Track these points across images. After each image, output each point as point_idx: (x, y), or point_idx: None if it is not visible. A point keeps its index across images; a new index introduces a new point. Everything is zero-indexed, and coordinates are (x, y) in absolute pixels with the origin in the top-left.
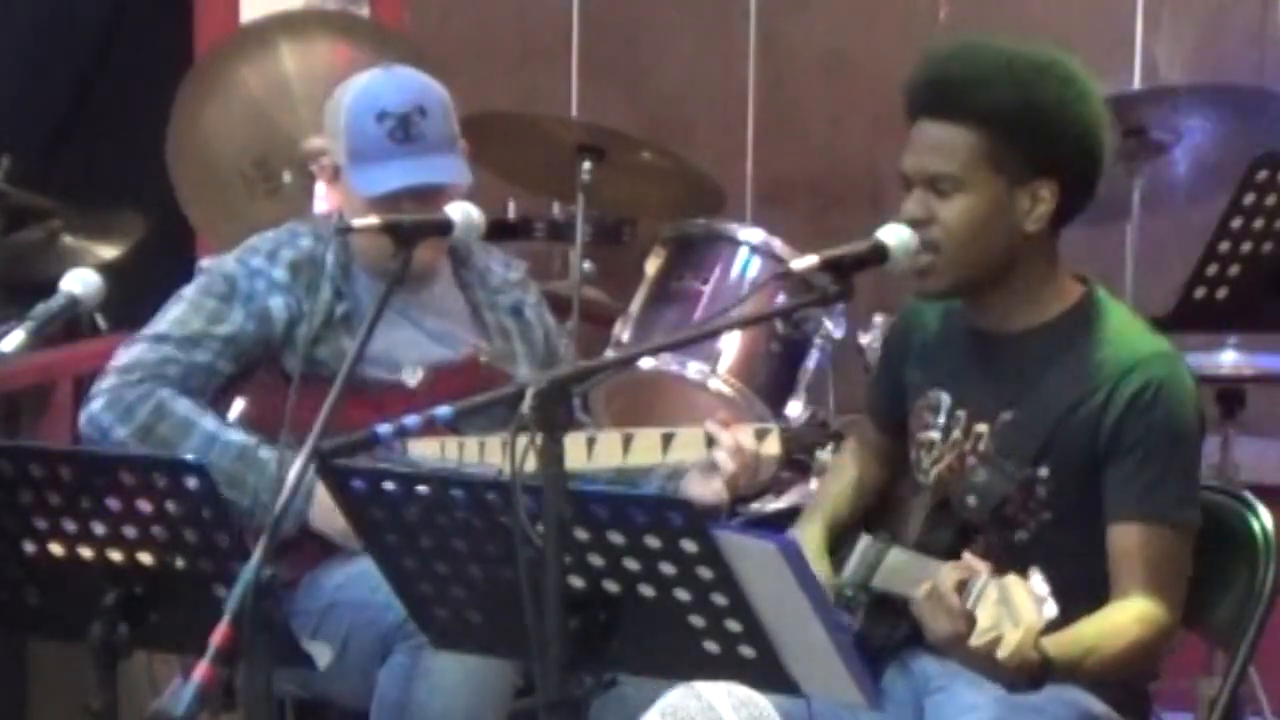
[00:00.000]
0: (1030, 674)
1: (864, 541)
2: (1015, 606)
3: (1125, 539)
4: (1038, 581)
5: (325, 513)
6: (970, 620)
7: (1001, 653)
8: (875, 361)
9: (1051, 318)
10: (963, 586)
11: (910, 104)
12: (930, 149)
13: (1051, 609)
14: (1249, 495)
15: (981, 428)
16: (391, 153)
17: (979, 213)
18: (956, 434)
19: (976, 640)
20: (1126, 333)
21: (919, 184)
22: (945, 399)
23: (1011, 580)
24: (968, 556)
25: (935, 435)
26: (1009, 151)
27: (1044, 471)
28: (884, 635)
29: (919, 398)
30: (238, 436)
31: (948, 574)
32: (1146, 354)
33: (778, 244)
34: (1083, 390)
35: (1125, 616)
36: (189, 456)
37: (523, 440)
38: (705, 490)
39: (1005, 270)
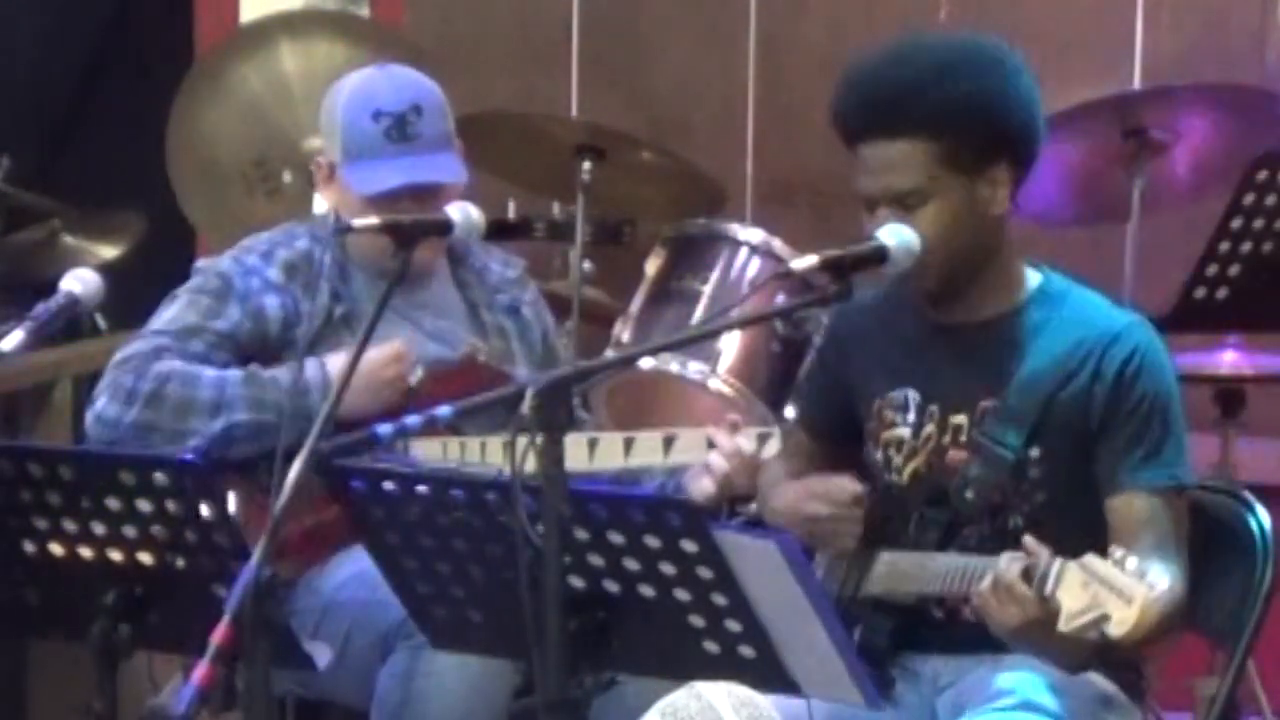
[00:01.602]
0: (1092, 652)
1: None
2: (1115, 583)
3: (1130, 509)
4: (1124, 557)
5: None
6: (1045, 607)
7: (1118, 630)
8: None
9: (1017, 303)
10: (1028, 573)
11: (848, 130)
12: (887, 168)
13: (1160, 576)
14: (1248, 495)
15: (959, 419)
16: (387, 151)
17: (949, 215)
18: (930, 429)
19: (1072, 624)
20: (1095, 308)
21: (884, 204)
22: (913, 396)
23: (1093, 560)
24: (1029, 541)
25: (904, 432)
26: (960, 150)
27: (1035, 452)
28: (880, 641)
29: (877, 398)
30: (237, 369)
31: (1010, 563)
32: (1123, 325)
33: (778, 244)
34: (1067, 367)
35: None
36: (188, 455)
37: (523, 440)
38: (694, 489)
39: (983, 259)
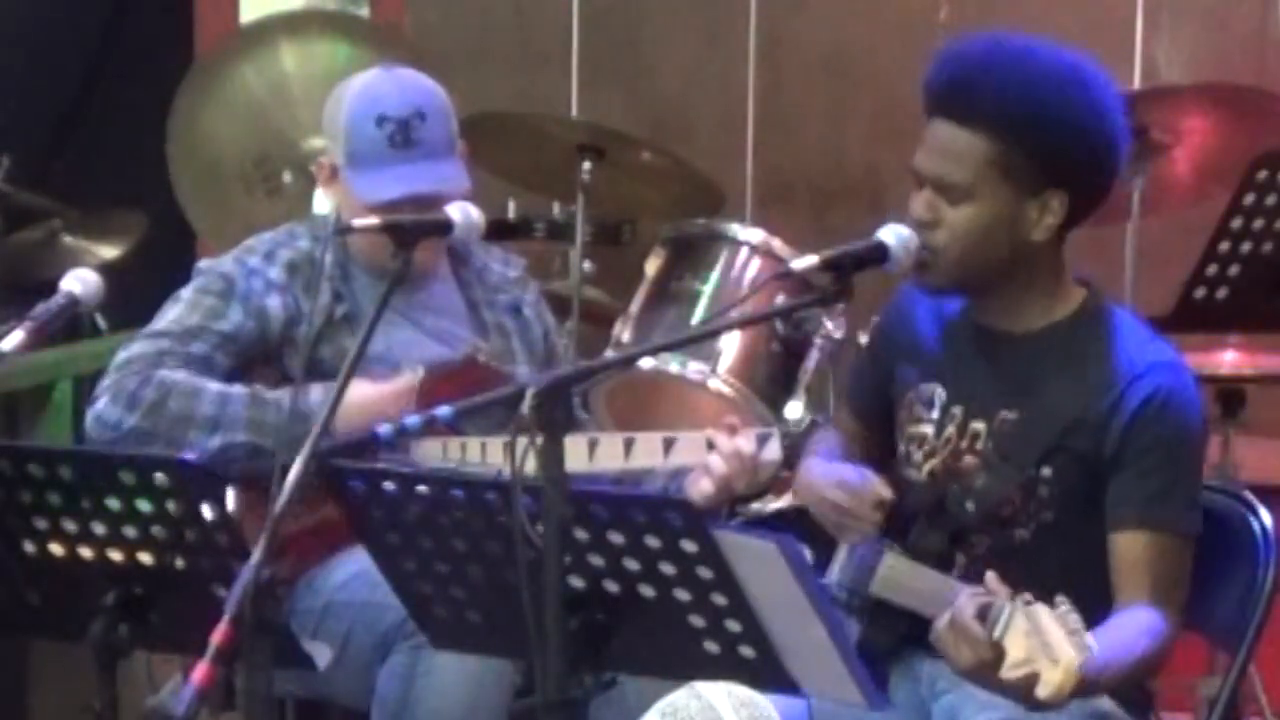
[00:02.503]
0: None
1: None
2: (1050, 642)
3: (1130, 548)
4: (1067, 612)
5: (354, 409)
6: (997, 649)
7: (1042, 691)
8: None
9: (1056, 321)
10: (984, 613)
11: (927, 102)
12: (942, 152)
13: (1089, 643)
14: (1249, 495)
15: (978, 425)
16: (390, 158)
17: (984, 221)
18: (950, 430)
19: (1010, 673)
20: (1132, 340)
21: (929, 184)
22: (940, 393)
23: (1040, 610)
24: (990, 579)
25: (928, 429)
26: (1021, 161)
27: (1047, 472)
28: (886, 638)
29: (910, 389)
30: (241, 387)
31: (968, 602)
32: (1153, 362)
33: (778, 244)
34: (1089, 396)
35: (1134, 629)
36: (188, 456)
37: (523, 440)
38: (693, 491)
39: (1009, 274)
